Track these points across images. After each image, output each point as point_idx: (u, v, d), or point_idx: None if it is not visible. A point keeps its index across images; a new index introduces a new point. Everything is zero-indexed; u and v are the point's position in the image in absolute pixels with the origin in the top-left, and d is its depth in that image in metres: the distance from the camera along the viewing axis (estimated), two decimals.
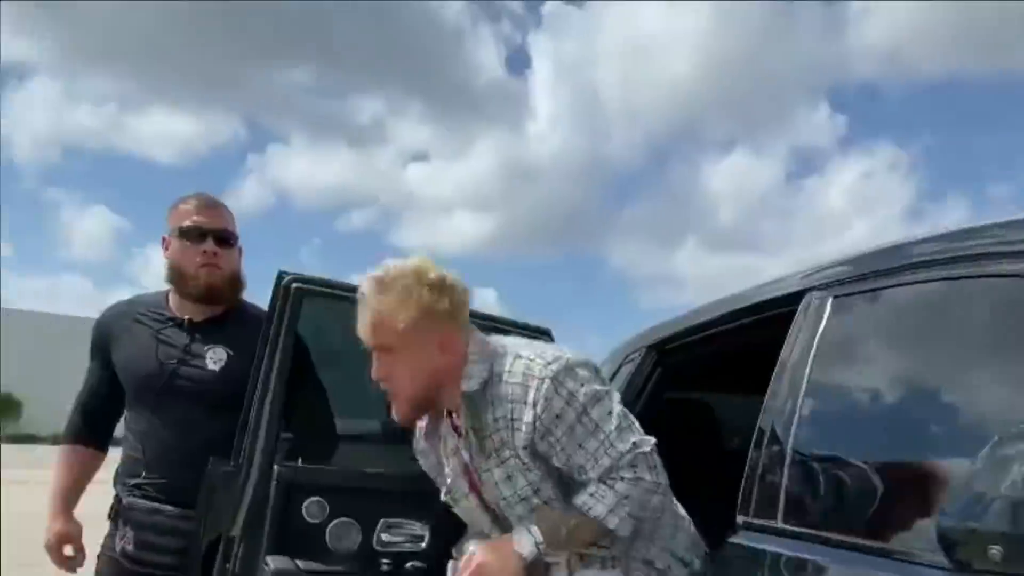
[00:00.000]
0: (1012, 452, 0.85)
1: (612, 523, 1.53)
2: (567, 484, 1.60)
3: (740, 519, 1.52)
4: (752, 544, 1.47)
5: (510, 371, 1.59)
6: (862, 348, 1.52)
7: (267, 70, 68.51)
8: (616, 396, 1.61)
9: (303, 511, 1.99)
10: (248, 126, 73.30)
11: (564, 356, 1.58)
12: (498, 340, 1.68)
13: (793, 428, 1.48)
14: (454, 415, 1.69)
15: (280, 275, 2.06)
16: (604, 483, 1.54)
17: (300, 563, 1.96)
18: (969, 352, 1.27)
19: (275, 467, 1.99)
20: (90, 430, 2.30)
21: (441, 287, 1.64)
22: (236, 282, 2.25)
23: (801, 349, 1.54)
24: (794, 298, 1.64)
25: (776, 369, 1.58)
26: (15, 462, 20.12)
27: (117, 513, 2.17)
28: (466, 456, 1.67)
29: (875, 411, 1.42)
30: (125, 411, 2.25)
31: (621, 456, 1.53)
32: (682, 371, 2.42)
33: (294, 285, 2.05)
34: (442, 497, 1.76)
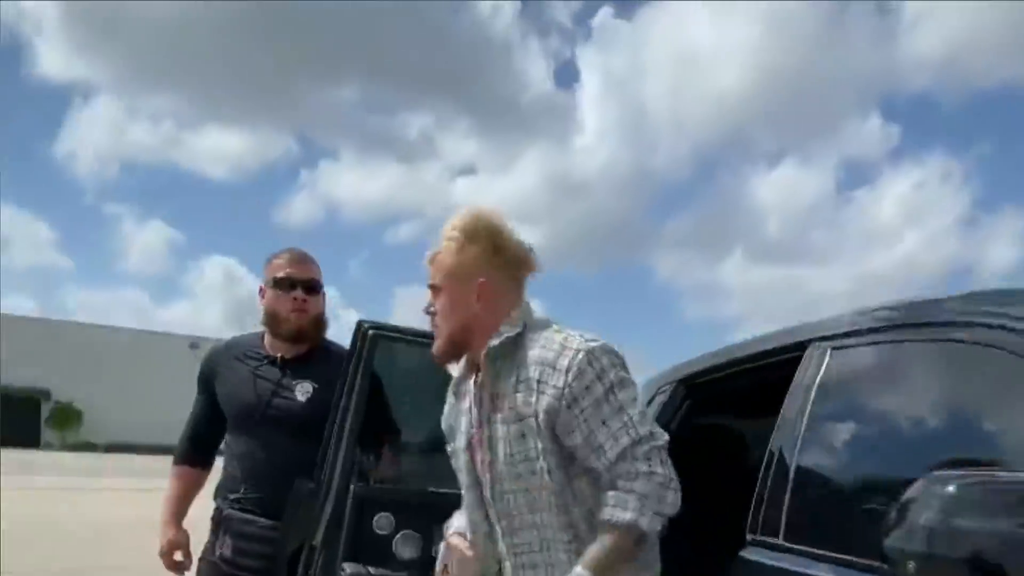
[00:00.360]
0: (936, 490, 1.12)
1: (644, 524, 1.49)
2: (569, 464, 1.57)
3: (749, 536, 1.74)
4: (757, 559, 1.69)
5: (546, 338, 1.59)
6: (853, 393, 1.77)
7: (318, 87, 69.30)
8: (639, 390, 1.62)
9: (374, 524, 2.25)
10: (300, 142, 74.11)
11: (601, 340, 1.59)
12: (546, 316, 1.68)
13: (795, 457, 1.71)
14: (480, 371, 1.67)
15: (359, 323, 2.36)
16: (620, 490, 1.50)
17: (371, 569, 2.22)
18: (928, 403, 1.57)
19: (350, 486, 2.25)
20: (196, 453, 2.63)
21: (495, 237, 1.64)
22: (321, 323, 2.54)
23: (804, 390, 1.78)
24: (801, 346, 1.89)
25: (784, 405, 1.82)
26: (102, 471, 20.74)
27: (217, 523, 2.46)
28: (476, 413, 1.66)
29: (862, 446, 1.68)
30: (226, 435, 2.56)
31: (640, 440, 1.51)
32: (708, 403, 2.66)
33: (371, 331, 2.34)
34: (448, 450, 1.80)
